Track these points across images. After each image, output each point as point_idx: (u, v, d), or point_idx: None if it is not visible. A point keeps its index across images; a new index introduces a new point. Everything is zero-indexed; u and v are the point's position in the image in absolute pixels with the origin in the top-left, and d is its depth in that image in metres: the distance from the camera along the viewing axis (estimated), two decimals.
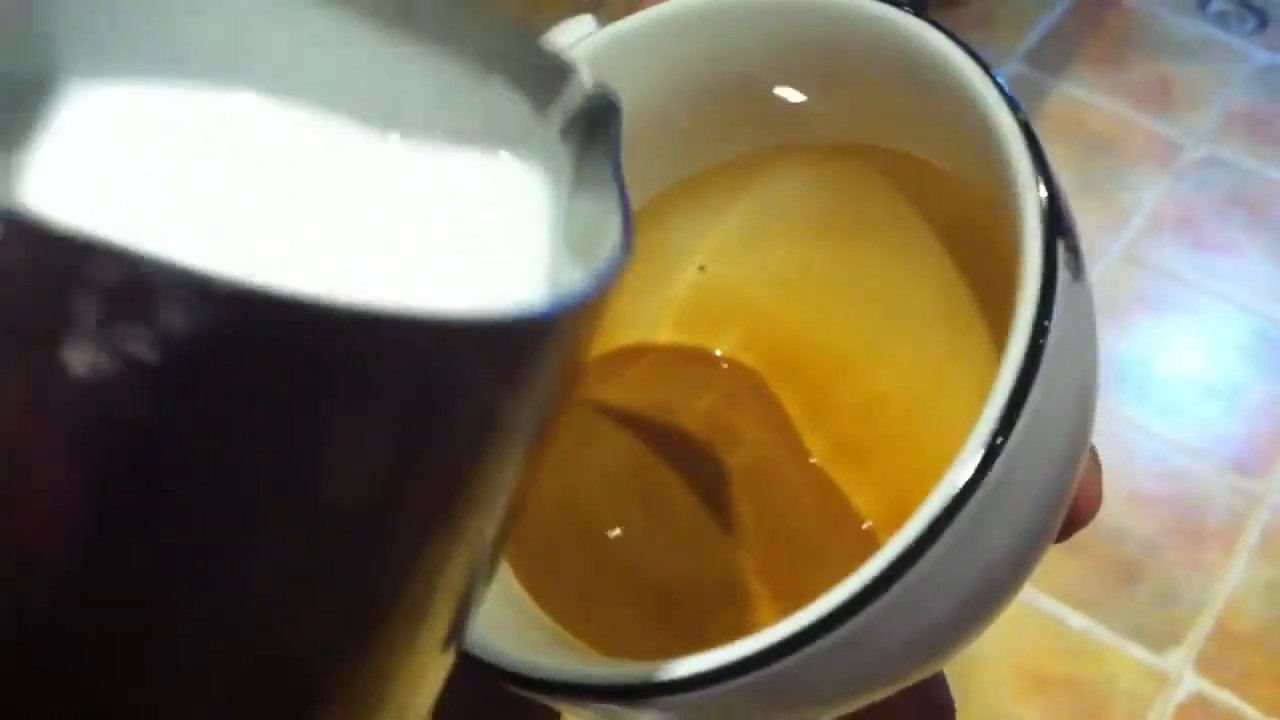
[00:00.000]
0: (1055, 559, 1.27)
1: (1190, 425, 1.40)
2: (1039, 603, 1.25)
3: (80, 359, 0.12)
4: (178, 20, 0.19)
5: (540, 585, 0.26)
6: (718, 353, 0.30)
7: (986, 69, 0.23)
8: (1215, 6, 1.85)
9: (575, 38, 0.26)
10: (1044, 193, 0.21)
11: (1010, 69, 1.73)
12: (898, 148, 0.27)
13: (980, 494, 0.20)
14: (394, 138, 0.19)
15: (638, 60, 0.26)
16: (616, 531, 0.28)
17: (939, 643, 0.22)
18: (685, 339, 0.30)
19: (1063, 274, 0.21)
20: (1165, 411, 1.41)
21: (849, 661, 0.21)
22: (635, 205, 0.26)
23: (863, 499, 0.27)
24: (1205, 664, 1.22)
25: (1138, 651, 1.23)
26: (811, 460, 0.29)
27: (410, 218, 0.19)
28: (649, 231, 0.29)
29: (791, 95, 0.26)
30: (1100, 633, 1.24)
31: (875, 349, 0.29)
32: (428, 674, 0.19)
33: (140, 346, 0.12)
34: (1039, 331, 0.20)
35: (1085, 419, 0.23)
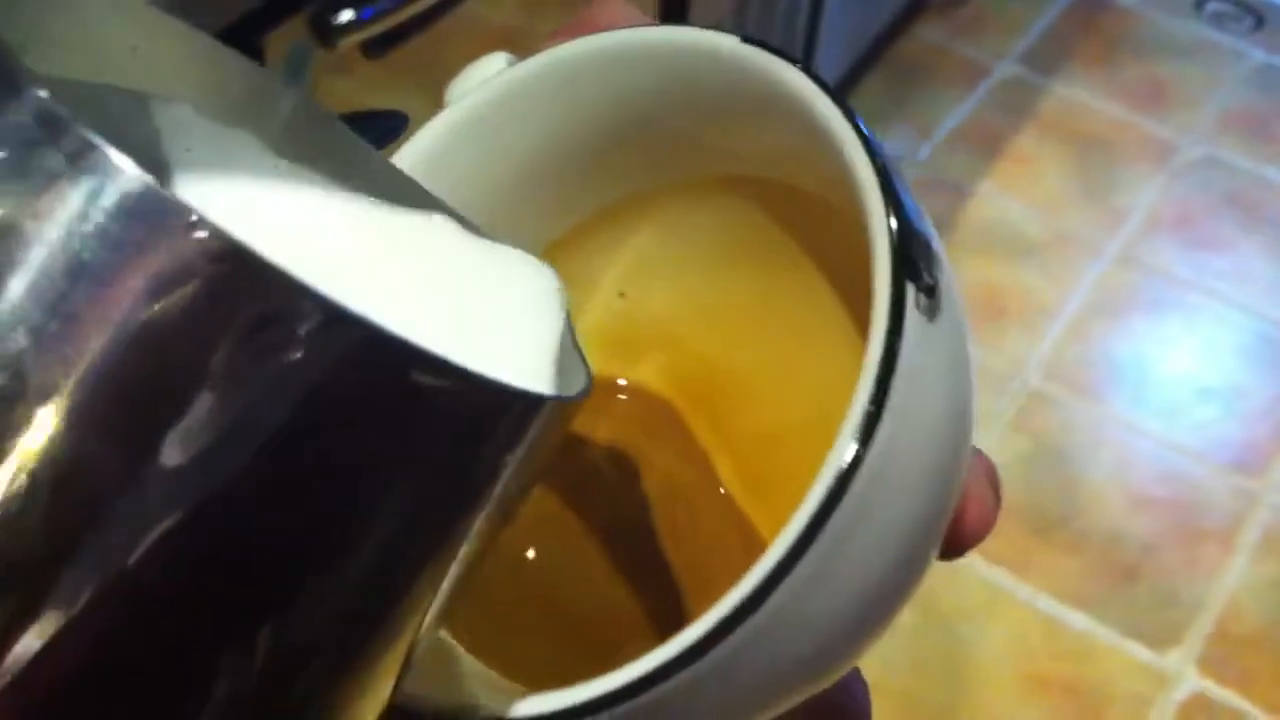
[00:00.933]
0: (1055, 560, 1.27)
1: (1188, 426, 1.40)
2: (1040, 604, 1.25)
3: (297, 350, 0.17)
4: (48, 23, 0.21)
5: (462, 614, 0.27)
6: (621, 382, 0.31)
7: (850, 113, 0.23)
8: (1212, 7, 1.86)
9: (484, 76, 0.27)
10: (894, 237, 0.22)
11: (1005, 71, 1.73)
12: (788, 182, 0.27)
13: (827, 535, 0.21)
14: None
15: (544, 98, 0.27)
16: (531, 554, 0.28)
17: (807, 672, 0.23)
18: (601, 367, 0.30)
19: (913, 317, 0.21)
20: (1163, 413, 1.41)
21: (714, 692, 0.21)
22: (554, 235, 0.30)
23: (769, 530, 0.28)
24: (1206, 664, 1.22)
25: (1138, 651, 1.23)
26: (721, 490, 0.29)
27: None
28: (570, 260, 0.29)
29: (684, 132, 0.27)
30: (1101, 633, 1.24)
31: (785, 378, 0.29)
32: (371, 706, 0.21)
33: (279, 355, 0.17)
34: (882, 384, 0.21)
35: (952, 452, 0.23)
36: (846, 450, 0.21)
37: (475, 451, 0.19)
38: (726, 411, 0.30)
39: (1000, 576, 1.27)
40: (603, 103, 0.27)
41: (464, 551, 0.20)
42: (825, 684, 0.24)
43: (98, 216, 0.17)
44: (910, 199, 0.23)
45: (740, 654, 0.21)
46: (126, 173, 0.17)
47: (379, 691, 0.21)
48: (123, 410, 0.17)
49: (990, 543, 1.16)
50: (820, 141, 0.23)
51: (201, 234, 0.17)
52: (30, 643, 0.17)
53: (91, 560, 0.17)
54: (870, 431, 0.21)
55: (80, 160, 0.17)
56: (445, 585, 0.21)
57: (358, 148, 0.25)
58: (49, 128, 0.17)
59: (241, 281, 0.17)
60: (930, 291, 0.22)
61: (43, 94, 0.17)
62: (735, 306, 0.30)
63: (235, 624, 0.18)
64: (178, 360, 0.17)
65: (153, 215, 0.17)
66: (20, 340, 0.17)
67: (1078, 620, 1.25)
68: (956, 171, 1.61)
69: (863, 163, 0.22)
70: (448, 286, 0.22)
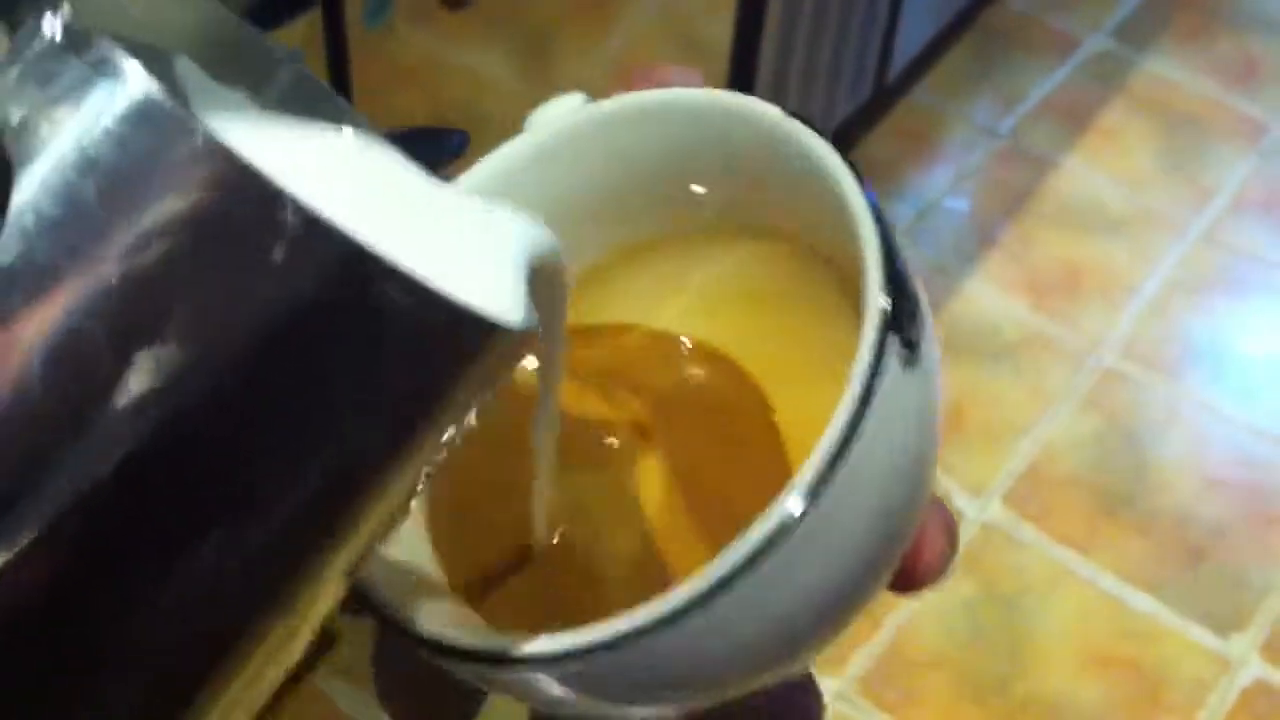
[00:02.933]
0: (1122, 540, 1.27)
1: (1267, 410, 1.38)
2: (1104, 583, 1.25)
3: (279, 254, 0.19)
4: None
5: (448, 544, 0.29)
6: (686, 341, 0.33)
7: (858, 175, 0.26)
8: None
9: (560, 112, 0.31)
10: (884, 302, 0.25)
11: (1096, 44, 1.70)
12: (802, 238, 0.30)
13: (774, 555, 0.23)
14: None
15: (605, 142, 0.30)
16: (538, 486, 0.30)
17: (753, 664, 0.26)
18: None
19: (892, 366, 0.24)
20: (1241, 395, 1.39)
21: (640, 666, 0.24)
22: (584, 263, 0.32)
23: None
24: (1271, 650, 1.21)
25: (1202, 635, 1.22)
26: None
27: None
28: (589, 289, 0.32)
29: (717, 187, 0.31)
30: (1164, 615, 1.23)
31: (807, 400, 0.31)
32: (332, 594, 0.23)
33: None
34: (853, 425, 0.23)
35: (908, 494, 0.26)
36: (824, 447, 0.23)
37: (427, 364, 0.21)
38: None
39: (1065, 554, 1.26)
40: (651, 154, 0.30)
41: (406, 471, 0.22)
42: (769, 681, 0.27)
43: (108, 120, 0.19)
44: (904, 265, 0.26)
45: (688, 638, 0.24)
46: (138, 81, 0.19)
47: (327, 598, 0.23)
48: (116, 298, 0.19)
49: (1056, 520, 1.16)
50: (836, 209, 0.26)
51: (201, 141, 0.19)
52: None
53: (83, 433, 0.19)
54: (831, 470, 0.23)
55: (98, 70, 0.19)
56: (388, 501, 0.22)
57: (349, 118, 0.26)
58: (73, 40, 0.20)
59: (233, 186, 0.19)
60: (911, 346, 0.25)
61: (68, 10, 0.20)
62: (757, 339, 0.32)
63: (200, 524, 0.20)
64: (169, 255, 0.19)
65: (159, 121, 0.19)
66: (28, 222, 0.19)
67: (1141, 601, 1.24)
68: (1041, 144, 1.60)
69: (869, 229, 0.25)
70: (420, 226, 0.24)
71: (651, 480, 0.31)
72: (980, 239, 1.50)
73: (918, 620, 1.22)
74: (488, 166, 0.31)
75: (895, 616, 1.22)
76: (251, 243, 0.19)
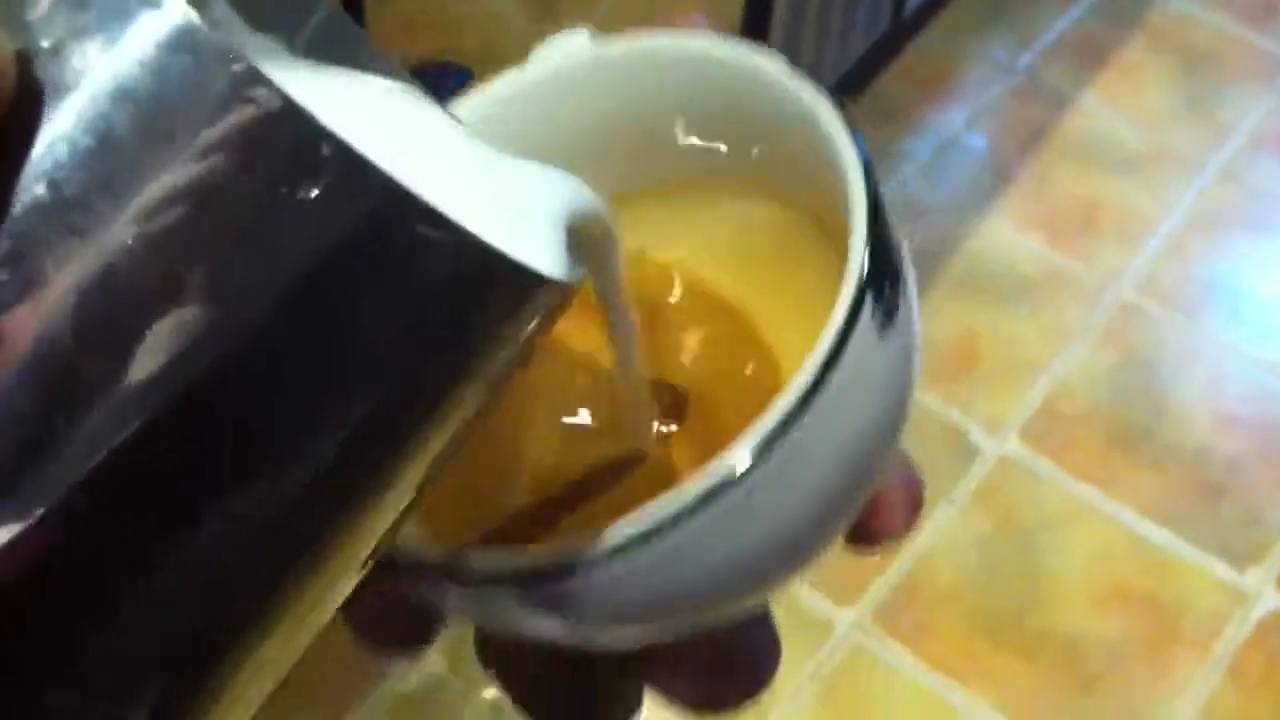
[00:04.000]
0: (1140, 475, 1.27)
1: None
2: (1122, 518, 1.25)
3: (317, 189, 0.18)
4: None
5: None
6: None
7: (856, 137, 0.26)
8: None
9: (567, 49, 0.30)
10: (864, 264, 0.24)
11: None
12: (797, 200, 0.30)
13: (713, 507, 0.23)
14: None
15: (608, 82, 0.30)
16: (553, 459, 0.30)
17: (696, 602, 0.26)
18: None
19: (865, 327, 0.24)
20: (1259, 333, 1.39)
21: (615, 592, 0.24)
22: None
23: None
24: None
25: (1218, 568, 1.22)
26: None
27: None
28: None
29: (696, 139, 0.30)
30: (1182, 549, 1.23)
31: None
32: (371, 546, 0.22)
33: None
34: (815, 385, 0.23)
35: (869, 457, 0.26)
36: (783, 403, 0.23)
37: (461, 310, 0.21)
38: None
39: (1083, 489, 1.27)
40: (653, 99, 0.30)
41: (447, 422, 0.22)
42: (715, 620, 0.27)
43: (146, 48, 0.18)
44: (894, 232, 0.26)
45: (640, 572, 0.24)
46: (176, 9, 0.18)
47: (370, 543, 0.22)
48: (150, 232, 0.18)
49: (1074, 455, 1.16)
50: (830, 170, 0.26)
51: (242, 70, 0.18)
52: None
53: (122, 372, 0.18)
54: (790, 423, 0.23)
55: None
56: (430, 454, 0.22)
57: (384, 67, 0.26)
58: None
59: (271, 120, 0.18)
60: (889, 313, 0.25)
61: None
62: (756, 291, 0.32)
63: (239, 464, 0.19)
64: (203, 186, 0.18)
65: (198, 50, 0.18)
66: (60, 154, 0.18)
67: (1159, 535, 1.24)
68: (1057, 81, 1.59)
69: (859, 190, 0.25)
70: (456, 175, 0.23)
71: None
72: (997, 176, 1.50)
73: (935, 553, 1.23)
74: (484, 95, 0.30)
75: (913, 549, 1.22)
76: (289, 177, 0.18)
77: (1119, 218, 1.47)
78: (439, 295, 0.20)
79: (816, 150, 0.27)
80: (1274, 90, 1.60)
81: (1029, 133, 1.54)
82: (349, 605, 0.24)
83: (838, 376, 0.24)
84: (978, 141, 1.54)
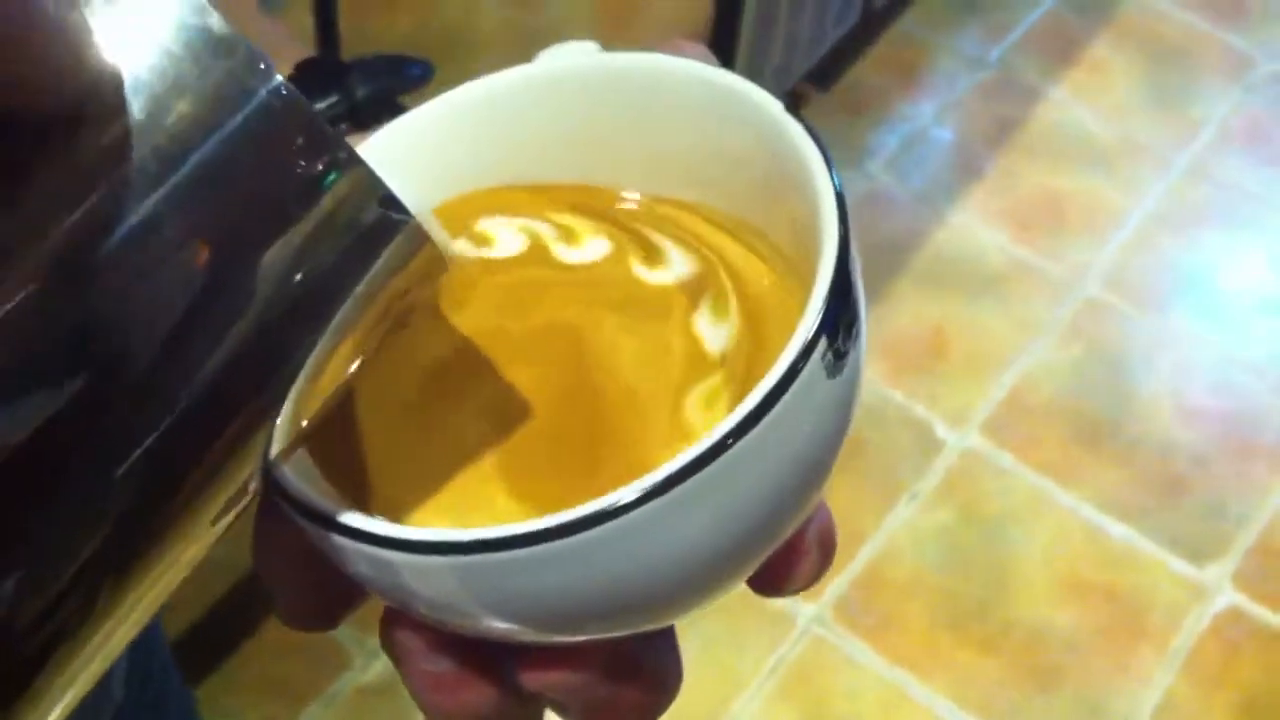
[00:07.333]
0: (1103, 469, 1.27)
1: (1250, 341, 1.39)
2: (1082, 511, 1.26)
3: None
4: None
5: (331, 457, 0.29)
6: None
7: (835, 179, 0.27)
8: None
9: (574, 54, 0.31)
10: (824, 306, 0.25)
11: None
12: (770, 237, 0.30)
13: (603, 529, 0.23)
14: None
15: (608, 89, 0.31)
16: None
17: (594, 614, 0.26)
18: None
19: (814, 369, 0.24)
20: (1226, 326, 1.40)
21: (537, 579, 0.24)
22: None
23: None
24: (1243, 579, 1.22)
25: (1177, 563, 1.23)
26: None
27: None
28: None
29: (701, 157, 0.31)
30: (1141, 543, 1.24)
31: None
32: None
33: None
34: (750, 420, 0.23)
35: (796, 496, 0.26)
36: (718, 433, 0.24)
37: (350, 249, 0.23)
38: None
39: (1045, 483, 1.27)
40: (649, 115, 0.30)
41: (320, 348, 0.23)
42: (618, 633, 0.27)
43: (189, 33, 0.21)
44: (859, 281, 0.26)
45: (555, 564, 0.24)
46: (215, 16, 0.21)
47: (249, 460, 0.24)
48: (156, 168, 0.21)
49: (1037, 449, 1.16)
50: (809, 211, 0.27)
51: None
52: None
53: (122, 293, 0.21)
54: (718, 453, 0.23)
55: None
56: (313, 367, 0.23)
57: None
58: None
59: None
60: (842, 355, 0.25)
61: None
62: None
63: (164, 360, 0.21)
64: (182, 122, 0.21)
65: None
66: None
67: (1120, 530, 1.25)
68: (1027, 75, 1.59)
69: (831, 235, 0.26)
70: None
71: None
72: (965, 169, 1.50)
73: (896, 546, 1.23)
74: (485, 84, 0.31)
75: (873, 543, 1.23)
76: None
77: (1086, 212, 1.48)
78: (331, 226, 0.22)
79: (800, 189, 0.27)
80: (1241, 85, 1.61)
81: (998, 126, 1.54)
82: (266, 561, 0.26)
83: (775, 419, 0.24)
84: (946, 134, 1.54)
